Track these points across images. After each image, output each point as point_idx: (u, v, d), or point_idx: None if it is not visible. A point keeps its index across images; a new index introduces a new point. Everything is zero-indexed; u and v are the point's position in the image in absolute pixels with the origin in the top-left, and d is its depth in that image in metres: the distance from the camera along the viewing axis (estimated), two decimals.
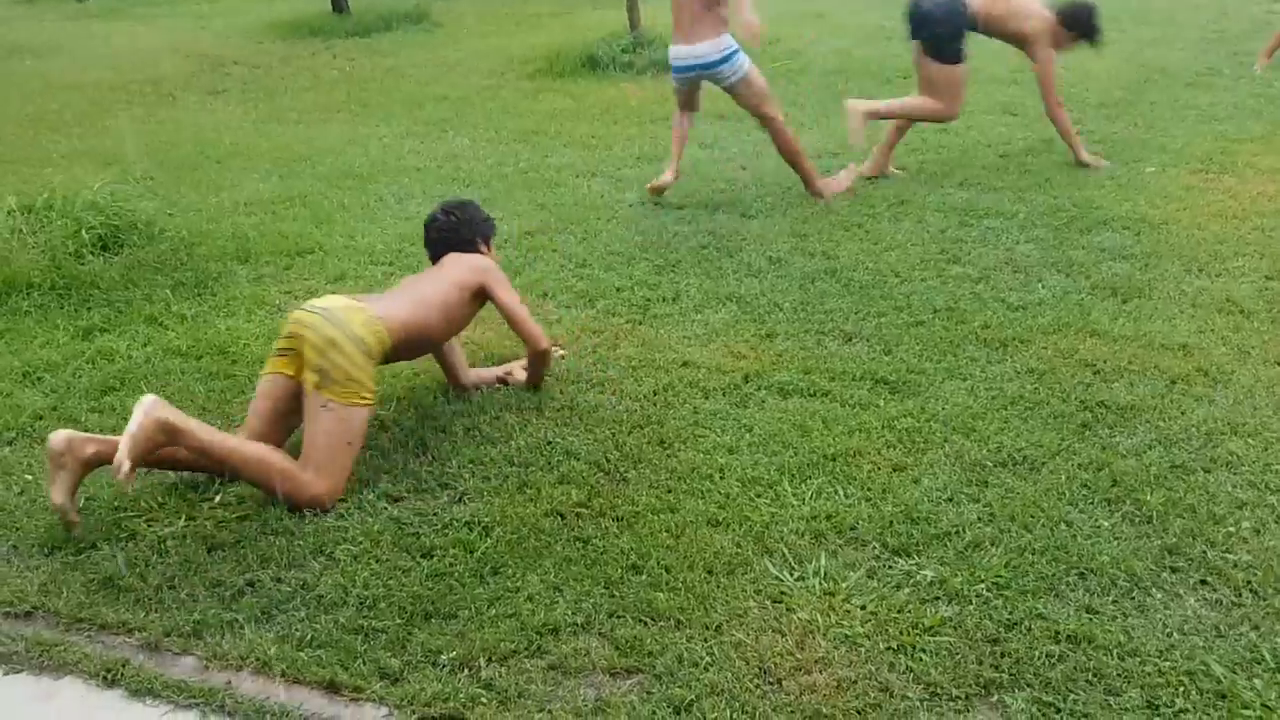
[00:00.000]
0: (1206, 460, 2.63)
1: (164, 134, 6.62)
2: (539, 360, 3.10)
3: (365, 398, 2.62)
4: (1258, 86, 6.13)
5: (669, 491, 2.57)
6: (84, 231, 4.27)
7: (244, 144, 6.27)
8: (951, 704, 1.90)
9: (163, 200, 5.15)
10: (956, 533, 2.36)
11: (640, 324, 3.68)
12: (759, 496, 2.54)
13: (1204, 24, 7.76)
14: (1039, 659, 1.98)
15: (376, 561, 2.34)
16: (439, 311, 2.89)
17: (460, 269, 3.04)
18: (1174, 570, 2.23)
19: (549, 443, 2.81)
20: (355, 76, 7.99)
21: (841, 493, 2.54)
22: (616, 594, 2.20)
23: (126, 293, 3.98)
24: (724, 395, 3.08)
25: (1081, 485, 2.54)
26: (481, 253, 3.21)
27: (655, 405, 3.03)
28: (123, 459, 2.36)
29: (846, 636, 2.06)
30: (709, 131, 5.96)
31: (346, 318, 2.64)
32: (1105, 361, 3.15)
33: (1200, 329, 3.36)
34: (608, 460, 2.71)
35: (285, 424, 2.70)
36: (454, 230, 3.20)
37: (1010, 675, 1.95)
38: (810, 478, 2.60)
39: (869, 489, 2.54)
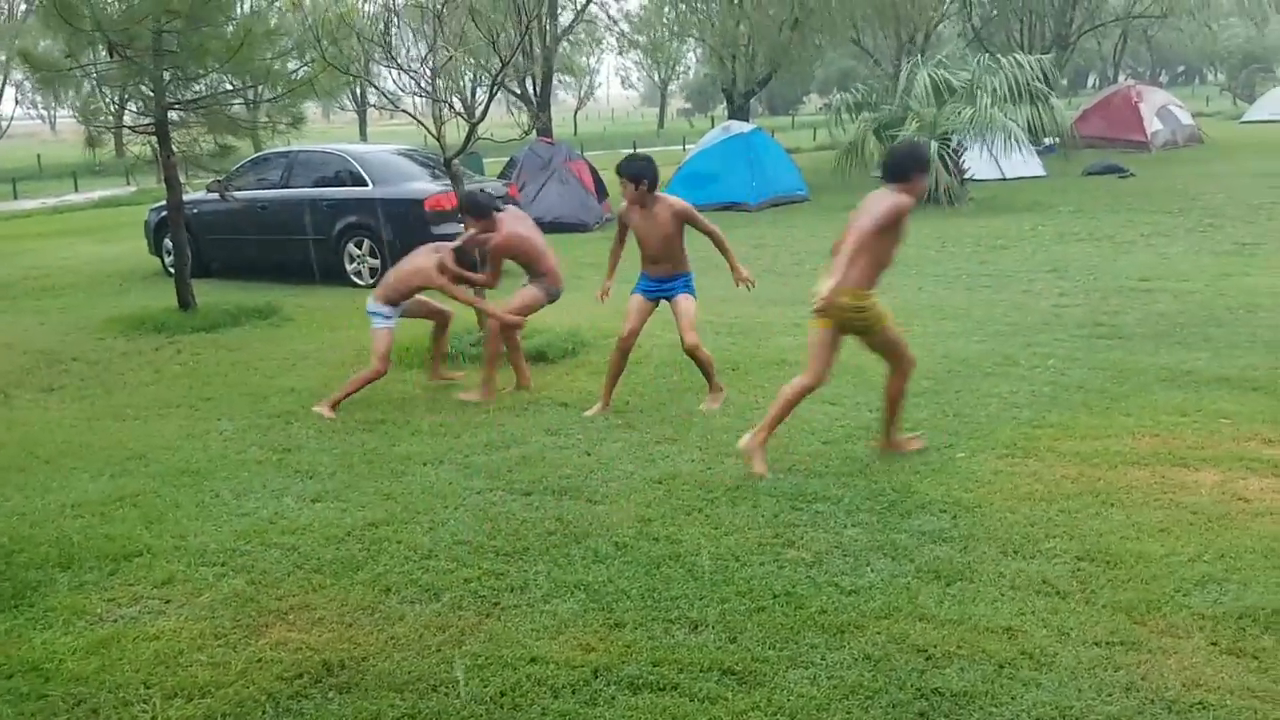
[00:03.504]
0: None
1: None
2: None
3: None
4: (1051, 375, 6.78)
5: None
6: None
7: (76, 442, 6.09)
8: None
9: None
10: None
11: (488, 617, 3.65)
12: None
13: (999, 317, 8.62)
14: None
15: None
16: None
17: None
18: None
19: None
20: (199, 371, 7.96)
21: None
22: None
23: None
24: (573, 694, 3.05)
25: None
26: None
27: (502, 708, 2.96)
28: None
29: None
30: (553, 418, 6.16)
31: None
32: (936, 646, 3.29)
33: (1021, 611, 3.56)
34: None
35: None
36: None
37: None
38: None
39: None
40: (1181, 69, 65.35)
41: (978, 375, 6.79)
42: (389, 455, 5.62)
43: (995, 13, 29.91)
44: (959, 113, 16.52)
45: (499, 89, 8.91)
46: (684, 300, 6.47)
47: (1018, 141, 17.27)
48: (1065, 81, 33.37)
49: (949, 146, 16.72)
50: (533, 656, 3.29)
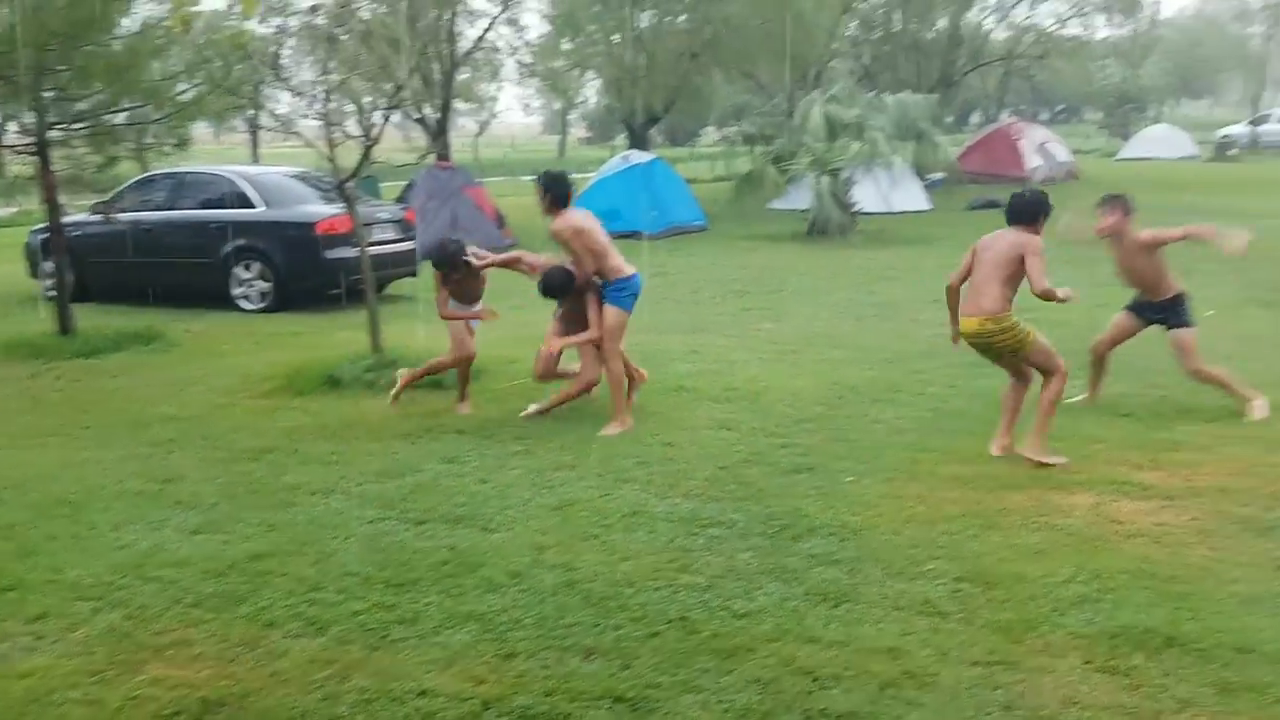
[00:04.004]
0: None
1: None
2: None
3: None
4: (935, 402, 7.00)
5: None
6: None
7: None
8: None
9: None
10: None
11: (376, 650, 3.59)
12: None
13: (885, 346, 8.86)
14: None
15: None
16: None
17: None
18: None
19: None
20: (78, 398, 7.64)
21: None
22: None
23: None
24: None
25: None
26: None
27: None
28: None
29: None
30: (449, 446, 6.09)
31: None
32: (823, 668, 3.35)
33: (904, 631, 3.66)
34: None
35: None
36: None
37: None
38: None
39: None
40: (1061, 107, 68.41)
41: (866, 401, 6.96)
42: (275, 485, 5.48)
43: (884, 51, 30.90)
44: (849, 147, 17.00)
45: (393, 113, 8.83)
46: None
47: (904, 176, 17.86)
48: (951, 119, 34.61)
49: (839, 180, 17.19)
50: (422, 690, 3.24)
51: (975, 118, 53.75)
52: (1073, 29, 32.66)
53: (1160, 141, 38.77)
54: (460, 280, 6.98)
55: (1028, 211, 5.74)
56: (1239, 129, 44.93)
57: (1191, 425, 6.17)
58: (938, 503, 5.02)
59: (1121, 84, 49.81)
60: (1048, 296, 5.50)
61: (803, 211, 17.86)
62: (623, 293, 6.49)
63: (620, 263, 6.51)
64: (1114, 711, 3.13)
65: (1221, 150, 37.12)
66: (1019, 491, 5.11)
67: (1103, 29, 32.73)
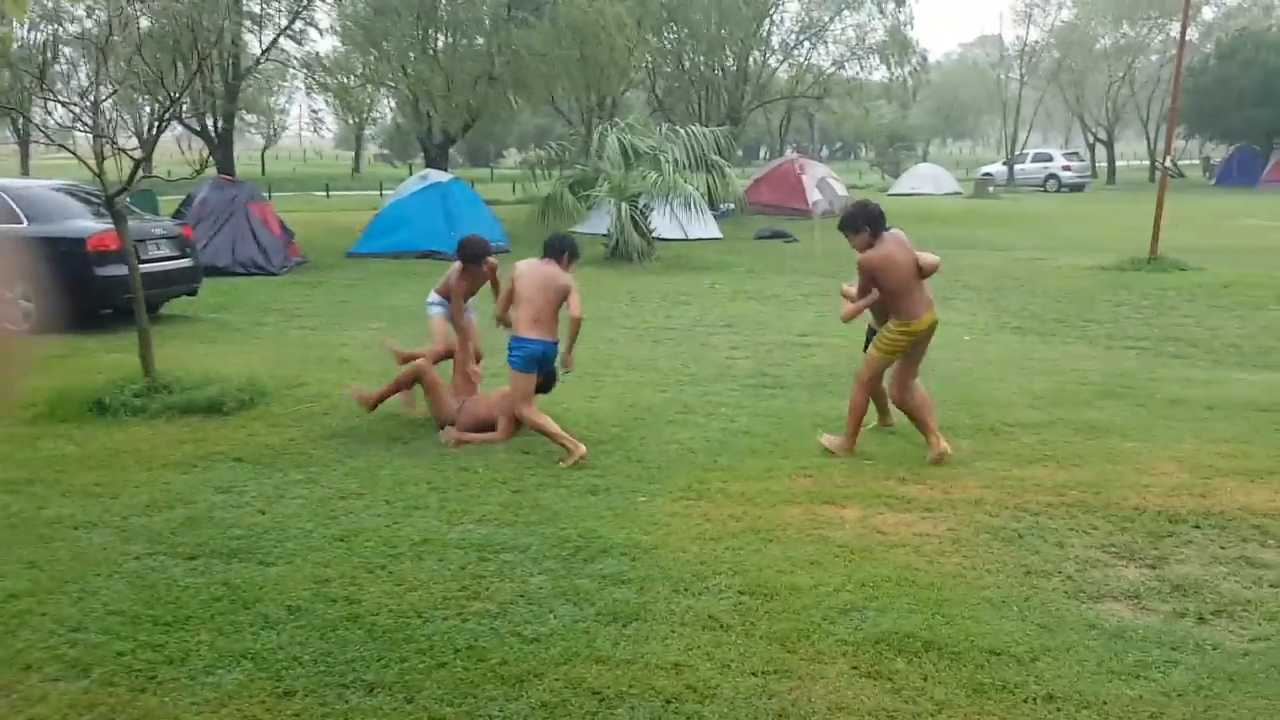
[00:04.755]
0: None
1: None
2: None
3: None
4: (724, 422, 7.25)
5: None
6: None
7: None
8: None
9: None
10: None
11: (143, 692, 3.39)
12: None
13: (680, 369, 9.11)
14: None
15: None
16: None
17: None
18: None
19: None
20: None
21: None
22: None
23: None
24: None
25: None
26: None
27: None
28: None
29: None
30: (226, 475, 5.82)
31: None
32: (609, 687, 3.41)
33: (689, 646, 3.77)
34: None
35: None
36: None
37: None
38: None
39: None
40: (839, 144, 72.50)
41: (660, 423, 7.13)
42: (35, 519, 5.09)
43: (676, 85, 31.86)
44: (645, 176, 17.41)
45: (167, 125, 8.39)
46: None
47: (698, 205, 18.43)
48: (740, 153, 36.03)
49: (637, 207, 17.57)
50: None
51: (763, 152, 56.12)
52: (849, 71, 34.67)
53: (927, 178, 41.74)
54: (474, 281, 7.34)
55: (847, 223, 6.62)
56: (997, 167, 48.94)
57: (949, 441, 6.64)
58: (723, 520, 5.20)
59: (892, 124, 53.27)
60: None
61: (603, 236, 18.13)
62: None
63: None
64: (877, 715, 3.33)
65: (982, 187, 40.27)
66: (796, 506, 5.37)
67: (876, 72, 34.91)
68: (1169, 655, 3.77)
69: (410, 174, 24.16)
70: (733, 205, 24.18)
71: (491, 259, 7.44)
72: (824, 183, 29.10)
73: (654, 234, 18.11)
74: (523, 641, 3.78)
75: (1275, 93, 44.23)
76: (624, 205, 17.27)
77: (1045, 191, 43.42)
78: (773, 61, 35.15)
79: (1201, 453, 6.31)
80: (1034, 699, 3.46)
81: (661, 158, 17.28)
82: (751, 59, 32.91)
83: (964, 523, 5.17)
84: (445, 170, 22.55)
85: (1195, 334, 10.72)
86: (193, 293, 11.89)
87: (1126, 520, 5.18)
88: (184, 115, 21.96)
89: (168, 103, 8.00)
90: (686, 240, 20.06)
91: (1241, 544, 4.87)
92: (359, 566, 4.54)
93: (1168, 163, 18.50)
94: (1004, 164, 49.24)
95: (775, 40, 33.86)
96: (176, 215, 15.37)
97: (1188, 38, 20.30)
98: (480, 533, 4.97)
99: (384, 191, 27.42)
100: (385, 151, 68.91)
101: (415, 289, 14.02)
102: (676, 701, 3.34)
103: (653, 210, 18.22)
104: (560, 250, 6.95)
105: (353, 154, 60.96)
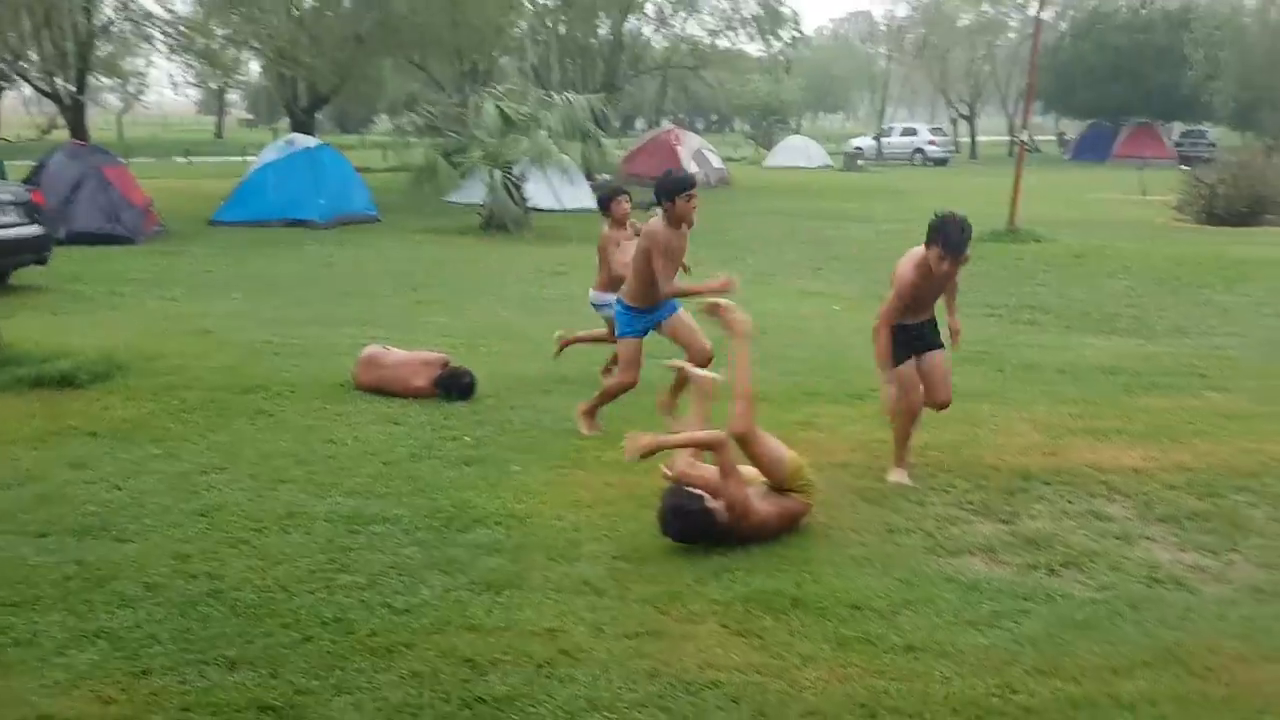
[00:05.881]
0: None
1: None
2: None
3: None
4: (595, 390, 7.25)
5: None
6: None
7: None
8: None
9: None
10: None
11: None
12: None
13: (552, 339, 9.08)
14: None
15: None
16: None
17: None
18: None
19: None
20: None
21: None
22: None
23: None
24: None
25: None
26: None
27: None
28: None
29: None
30: (79, 450, 5.55)
31: None
32: (482, 655, 3.39)
33: (562, 612, 3.78)
34: None
35: None
36: None
37: None
38: None
39: None
40: (715, 117, 73.03)
41: (536, 393, 7.09)
42: None
43: (551, 52, 31.53)
44: (521, 143, 17.21)
45: (10, 85, 7.90)
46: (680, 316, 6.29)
47: (574, 175, 18.32)
48: (618, 123, 35.96)
49: (513, 176, 17.37)
50: (40, 715, 2.94)
51: (639, 123, 56.17)
52: (724, 43, 34.94)
53: (799, 151, 42.44)
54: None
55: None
56: (866, 141, 50.14)
57: (818, 407, 6.81)
58: (598, 487, 5.21)
59: (766, 97, 53.98)
60: None
61: (478, 206, 17.88)
62: None
63: None
64: (746, 671, 3.40)
65: (852, 160, 41.23)
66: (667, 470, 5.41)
67: (751, 45, 35.28)
68: (1021, 605, 3.95)
69: (276, 139, 23.28)
70: (610, 176, 24.14)
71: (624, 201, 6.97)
72: (700, 154, 29.32)
73: (530, 204, 17.94)
74: (393, 612, 3.73)
75: (1125, 71, 46.53)
76: (499, 174, 17.05)
77: (912, 165, 44.70)
78: (649, 31, 35.13)
79: (1053, 414, 6.62)
80: (895, 650, 3.59)
81: (536, 126, 17.10)
82: (628, 27, 32.80)
83: (832, 485, 5.30)
84: (313, 135, 21.86)
85: (1049, 301, 11.23)
86: (42, 261, 11.25)
87: (983, 479, 5.41)
88: (30, 76, 20.73)
89: (11, 61, 7.51)
90: (563, 211, 19.95)
91: (1089, 499, 5.13)
92: (221, 542, 4.39)
93: (1025, 138, 19.28)
94: (873, 138, 50.48)
95: (650, 9, 33.83)
96: (27, 182, 14.48)
97: (1044, 17, 21.11)
98: (349, 505, 4.87)
99: (248, 157, 26.40)
100: (250, 116, 66.42)
101: (281, 259, 13.59)
102: (549, 666, 3.34)
103: (528, 179, 18.04)
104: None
105: (215, 119, 58.52)
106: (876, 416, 6.57)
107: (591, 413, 6.29)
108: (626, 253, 6.53)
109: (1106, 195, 26.91)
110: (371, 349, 7.13)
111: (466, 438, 5.97)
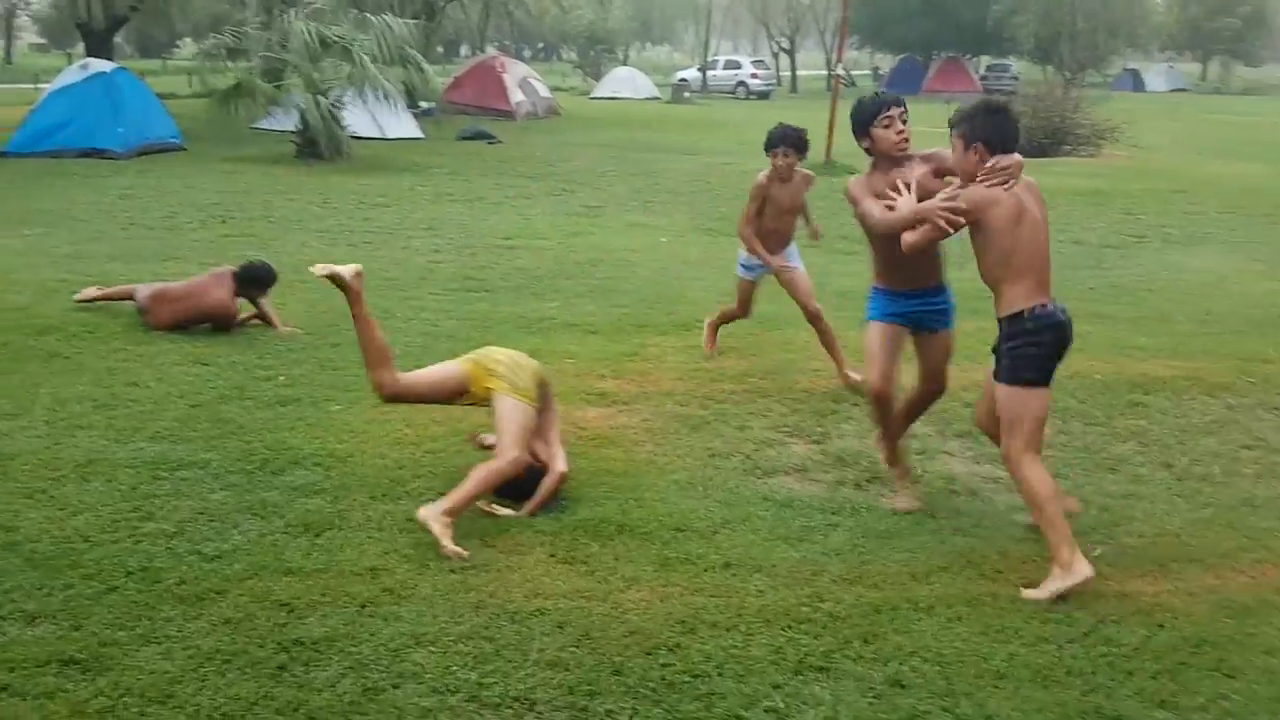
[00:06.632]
0: (394, 676, 2.89)
1: None
2: None
3: None
4: (427, 327, 7.11)
5: None
6: None
7: None
8: None
9: None
10: None
11: None
12: None
13: (379, 273, 8.79)
14: None
15: None
16: None
17: None
18: None
19: None
20: None
21: None
22: None
23: None
24: None
25: None
26: None
27: None
28: None
29: None
30: None
31: None
32: (300, 598, 3.32)
33: (385, 550, 3.73)
34: None
35: None
36: None
37: None
38: None
39: None
40: (541, 45, 71.74)
41: None
42: None
43: None
44: (338, 68, 16.48)
45: None
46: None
47: (395, 102, 17.68)
48: (441, 49, 34.83)
49: (329, 102, 16.64)
50: None
51: (464, 50, 54.64)
52: None
53: (627, 82, 42.34)
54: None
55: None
56: (692, 73, 50.44)
57: (646, 338, 6.91)
58: (424, 424, 5.12)
59: (592, 26, 53.39)
60: None
61: (290, 133, 17.07)
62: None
63: None
64: (572, 597, 3.46)
65: (678, 93, 41.41)
66: None
67: None
68: (830, 519, 4.15)
69: (70, 64, 21.50)
70: (434, 104, 23.46)
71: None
72: (526, 83, 28.81)
73: (348, 131, 17.25)
74: (203, 559, 3.59)
75: (934, 6, 48.29)
76: (316, 99, 16.30)
77: (735, 98, 45.28)
78: None
79: (861, 338, 6.91)
80: (714, 567, 3.72)
81: (353, 49, 16.38)
82: None
83: (657, 414, 5.40)
84: (110, 59, 20.30)
85: (860, 232, 11.65)
86: None
87: (798, 402, 5.62)
88: None
89: None
90: (385, 140, 19.29)
91: None
92: (15, 493, 4.12)
93: (840, 72, 19.81)
94: (698, 71, 50.81)
95: None
96: None
97: None
98: (153, 450, 4.64)
99: (40, 85, 24.32)
100: (42, 40, 61.18)
101: (77, 191, 12.65)
102: (372, 605, 3.31)
103: (346, 106, 17.32)
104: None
105: (2, 42, 53.58)
106: (701, 347, 6.71)
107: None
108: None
109: (918, 128, 27.89)
110: (149, 287, 6.77)
111: (281, 377, 5.77)
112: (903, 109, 4.21)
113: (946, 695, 2.97)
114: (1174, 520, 3.29)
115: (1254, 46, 65.09)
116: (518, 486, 4.12)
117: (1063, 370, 3.80)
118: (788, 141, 6.06)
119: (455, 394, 4.31)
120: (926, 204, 3.82)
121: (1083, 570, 3.41)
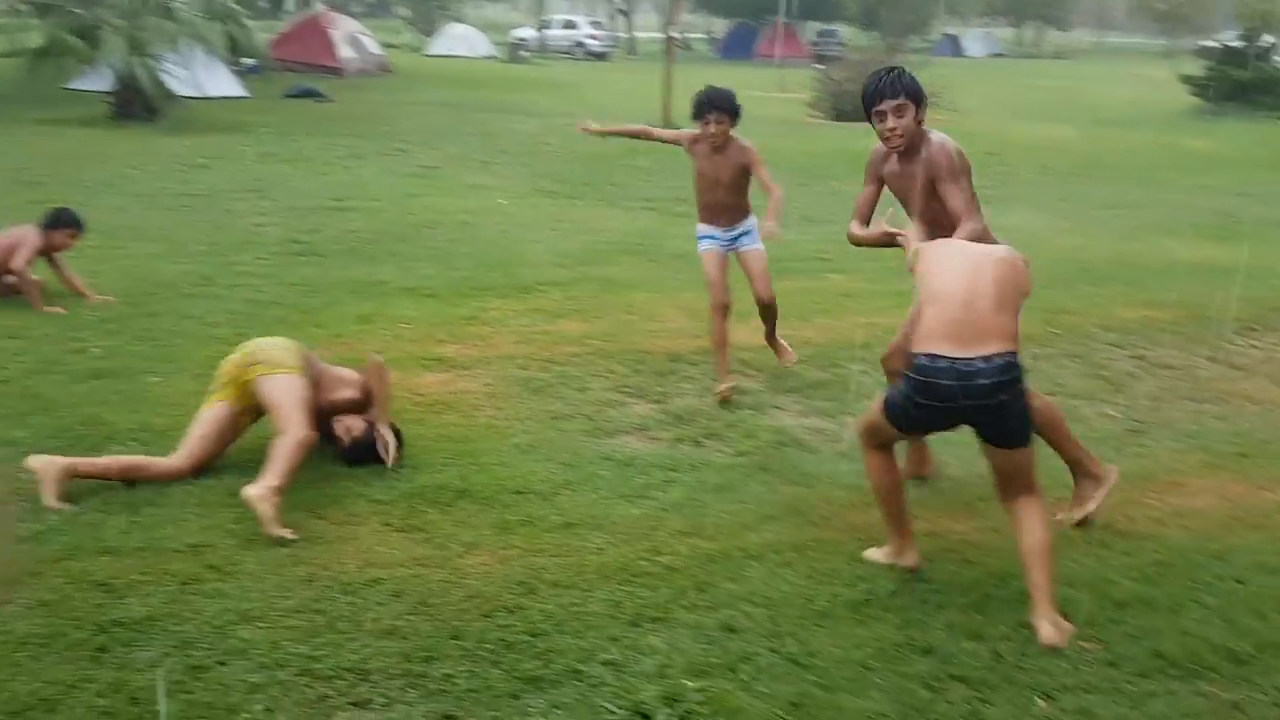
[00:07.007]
0: (221, 654, 2.81)
1: None
2: None
3: None
4: (250, 293, 6.85)
5: None
6: None
7: None
8: None
9: None
10: None
11: None
12: None
13: (200, 238, 8.42)
14: None
15: None
16: None
17: None
18: None
19: None
20: None
21: None
22: None
23: None
24: None
25: (103, 714, 2.51)
26: None
27: None
28: None
29: None
30: None
31: None
32: (118, 578, 3.18)
33: (208, 526, 3.60)
34: None
35: None
36: None
37: None
38: None
39: None
40: (373, 1, 69.27)
41: (176, 297, 6.61)
42: None
43: None
44: (158, 24, 15.55)
45: None
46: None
47: (218, 59, 16.82)
48: (265, 3, 33.25)
49: (148, 60, 15.67)
50: None
51: (290, 3, 52.27)
52: None
53: (462, 40, 41.45)
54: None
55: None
56: (529, 32, 49.80)
57: (486, 302, 6.85)
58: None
59: None
60: None
61: (105, 93, 16.02)
62: None
63: None
64: (408, 565, 3.42)
65: (515, 51, 40.83)
66: None
67: None
68: (668, 476, 4.24)
69: None
70: (257, 61, 22.43)
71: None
72: (355, 39, 27.86)
73: (167, 90, 16.31)
74: (16, 541, 3.39)
75: None
76: (132, 58, 15.32)
77: (573, 59, 45.00)
78: None
79: (699, 300, 7.02)
80: (555, 528, 3.75)
81: (174, 5, 15.47)
82: None
83: (499, 378, 5.38)
84: None
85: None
86: None
87: (638, 363, 5.70)
88: None
89: None
90: (205, 98, 18.33)
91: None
92: None
93: (675, 35, 19.96)
94: (535, 30, 50.20)
95: None
96: None
97: None
98: None
99: None
100: None
101: None
102: (196, 582, 3.19)
103: (165, 63, 16.34)
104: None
105: None
106: (541, 310, 6.71)
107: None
108: None
109: (750, 92, 28.41)
110: None
111: (95, 349, 5.47)
112: (897, 101, 3.76)
113: (774, 636, 3.09)
114: (980, 463, 3.52)
115: (1063, 12, 69.07)
116: (369, 450, 4.14)
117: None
118: (717, 104, 5.33)
119: (239, 422, 4.18)
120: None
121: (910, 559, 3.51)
